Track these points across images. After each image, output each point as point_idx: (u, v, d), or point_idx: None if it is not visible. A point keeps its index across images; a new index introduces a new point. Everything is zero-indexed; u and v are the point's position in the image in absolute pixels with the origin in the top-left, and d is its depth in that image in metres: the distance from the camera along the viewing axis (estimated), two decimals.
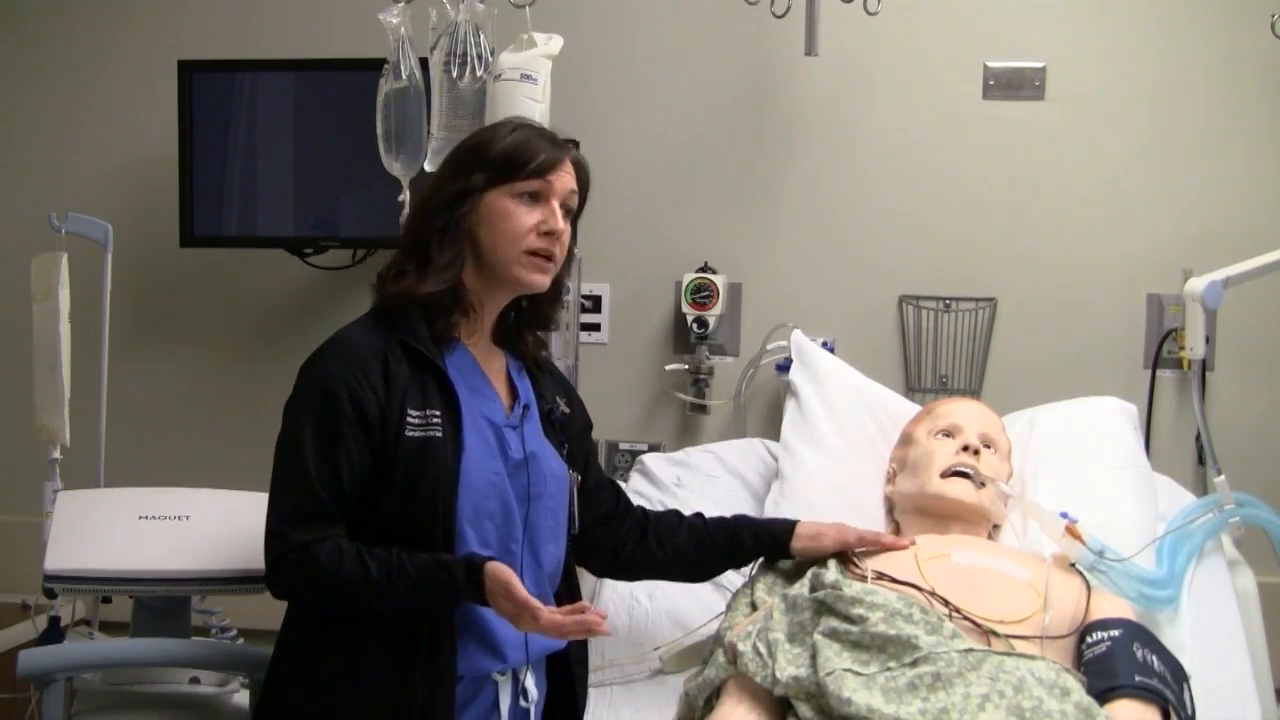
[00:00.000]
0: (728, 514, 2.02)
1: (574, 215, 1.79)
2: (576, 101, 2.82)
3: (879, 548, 1.93)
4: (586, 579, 2.29)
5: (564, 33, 2.43)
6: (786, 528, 1.94)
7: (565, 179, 1.73)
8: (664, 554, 1.92)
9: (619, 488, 2.03)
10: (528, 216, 1.69)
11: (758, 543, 1.94)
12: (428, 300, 1.68)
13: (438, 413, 1.64)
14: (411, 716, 1.60)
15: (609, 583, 2.21)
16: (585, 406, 1.96)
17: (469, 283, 1.72)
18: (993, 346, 2.87)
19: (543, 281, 1.74)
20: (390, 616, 1.62)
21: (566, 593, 1.82)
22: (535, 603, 1.55)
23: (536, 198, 1.70)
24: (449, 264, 1.68)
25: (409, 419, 1.62)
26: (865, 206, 2.90)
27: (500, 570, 1.56)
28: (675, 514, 1.99)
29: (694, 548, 1.93)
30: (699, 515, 1.99)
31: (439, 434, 1.63)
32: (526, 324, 1.83)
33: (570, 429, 1.86)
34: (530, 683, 1.74)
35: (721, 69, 2.94)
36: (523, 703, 1.74)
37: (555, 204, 1.72)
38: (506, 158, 1.69)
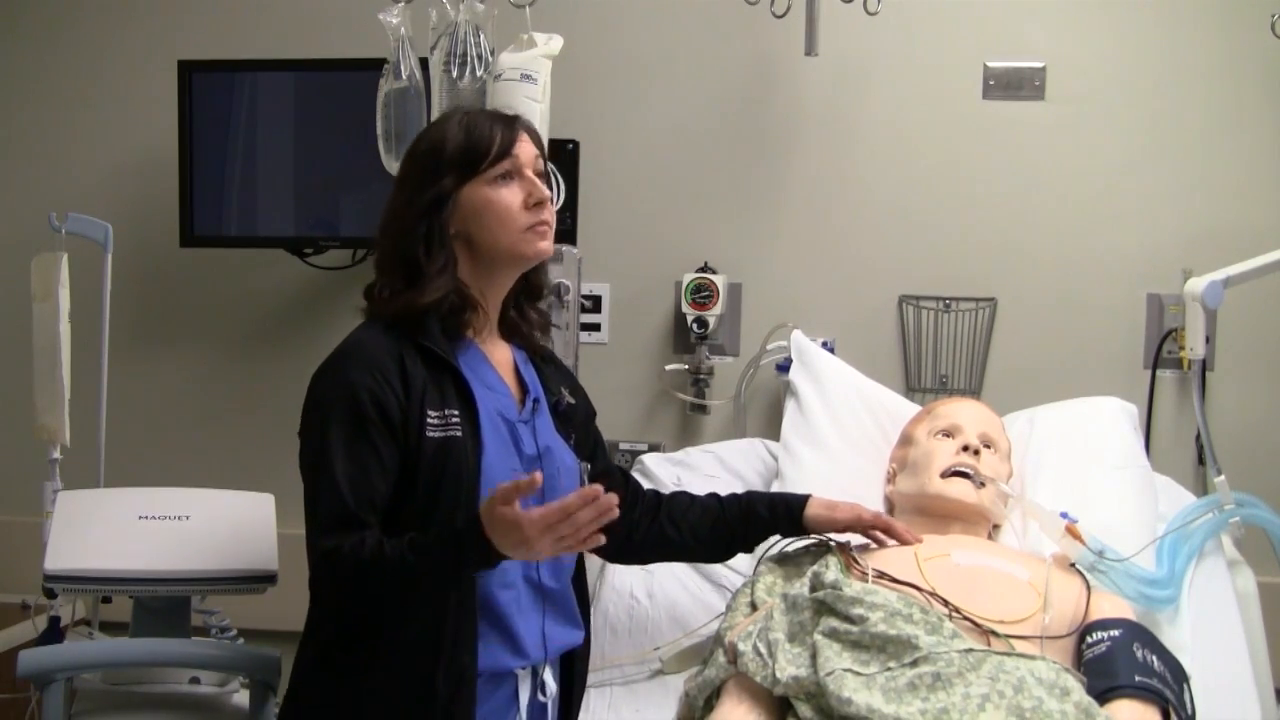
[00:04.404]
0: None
1: (546, 176, 1.79)
2: (576, 101, 2.82)
3: (889, 533, 1.93)
4: (589, 573, 2.29)
5: (564, 33, 2.43)
6: (801, 499, 1.94)
7: (527, 148, 1.73)
8: (678, 533, 1.93)
9: (628, 473, 2.04)
10: (511, 196, 1.69)
11: (773, 514, 1.93)
12: (433, 308, 1.67)
13: (456, 412, 1.64)
14: (435, 716, 1.60)
15: (609, 583, 2.21)
16: (586, 393, 1.96)
17: (468, 280, 1.71)
18: (993, 346, 2.87)
19: (548, 248, 1.74)
20: (410, 618, 1.60)
21: (578, 583, 1.83)
22: (525, 514, 1.48)
23: (510, 176, 1.70)
24: (441, 269, 1.67)
25: (429, 419, 1.62)
26: (865, 206, 2.90)
27: (486, 503, 1.51)
28: (686, 494, 2.00)
29: (709, 525, 1.93)
30: (712, 494, 1.99)
31: (459, 433, 1.63)
32: (525, 302, 1.82)
33: (575, 418, 1.87)
34: (549, 677, 1.75)
35: (721, 69, 2.94)
36: (540, 697, 1.74)
37: (529, 174, 1.72)
38: (466, 151, 1.69)
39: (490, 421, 1.67)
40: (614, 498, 1.49)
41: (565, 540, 1.49)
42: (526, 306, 1.83)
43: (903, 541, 1.93)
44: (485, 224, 1.69)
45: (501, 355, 1.79)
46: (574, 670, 1.82)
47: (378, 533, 1.59)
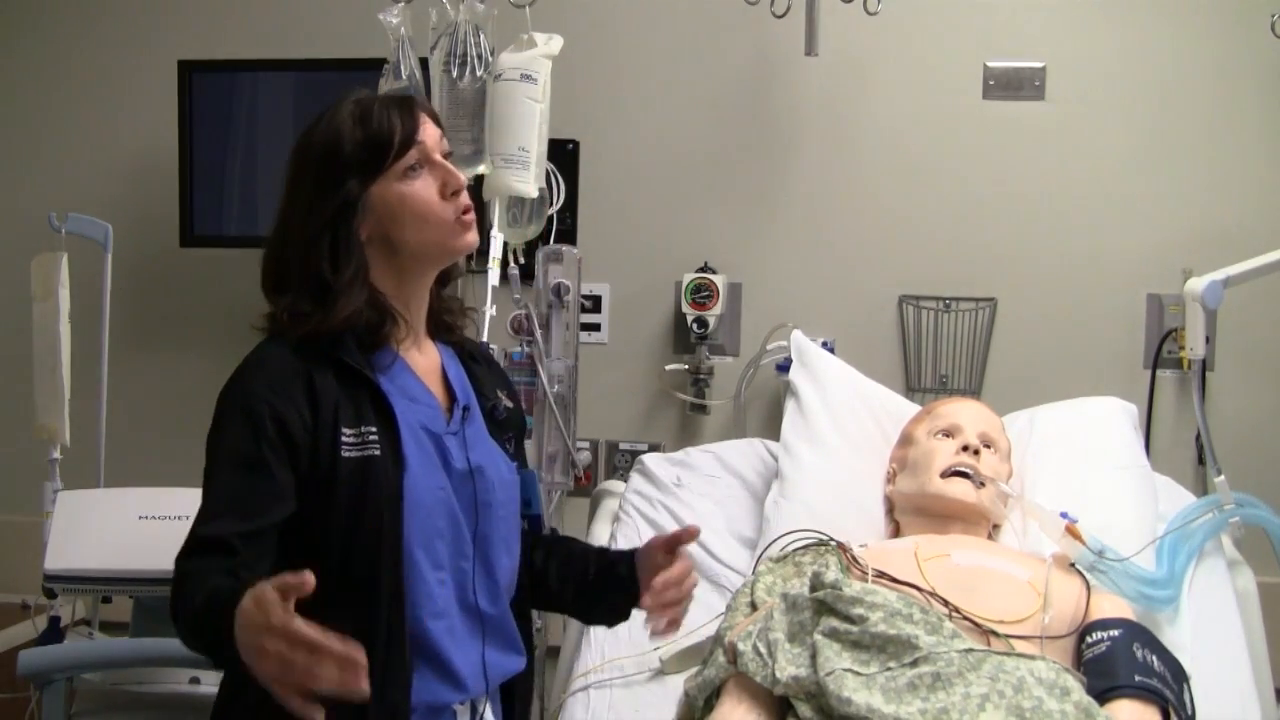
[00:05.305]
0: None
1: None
2: (576, 101, 2.82)
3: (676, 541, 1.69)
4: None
5: (564, 33, 2.43)
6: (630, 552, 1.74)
7: (430, 131, 1.55)
8: (558, 586, 1.74)
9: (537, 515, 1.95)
10: (426, 189, 1.53)
11: (614, 568, 1.72)
12: (346, 327, 1.50)
13: (373, 429, 1.48)
14: None
15: None
16: (520, 401, 1.82)
17: (387, 287, 1.55)
18: (993, 346, 2.87)
19: (474, 239, 1.57)
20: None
21: (519, 611, 1.67)
22: (280, 614, 1.19)
23: (419, 166, 1.53)
24: (351, 280, 1.50)
25: (344, 438, 1.46)
26: (865, 206, 2.91)
27: (261, 587, 1.22)
28: (573, 544, 1.83)
29: (575, 584, 1.74)
30: (589, 550, 1.81)
31: (377, 452, 1.47)
32: (439, 286, 1.65)
33: (512, 424, 1.71)
34: (489, 712, 1.62)
35: (721, 69, 2.94)
36: None
37: (439, 159, 1.55)
38: (367, 148, 1.51)
39: (413, 437, 1.52)
40: (365, 684, 1.21)
41: (290, 676, 1.20)
42: (444, 293, 1.68)
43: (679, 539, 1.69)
44: (404, 222, 1.52)
45: (428, 362, 1.62)
46: (515, 698, 1.69)
47: (232, 565, 1.39)
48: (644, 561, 1.68)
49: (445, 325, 1.67)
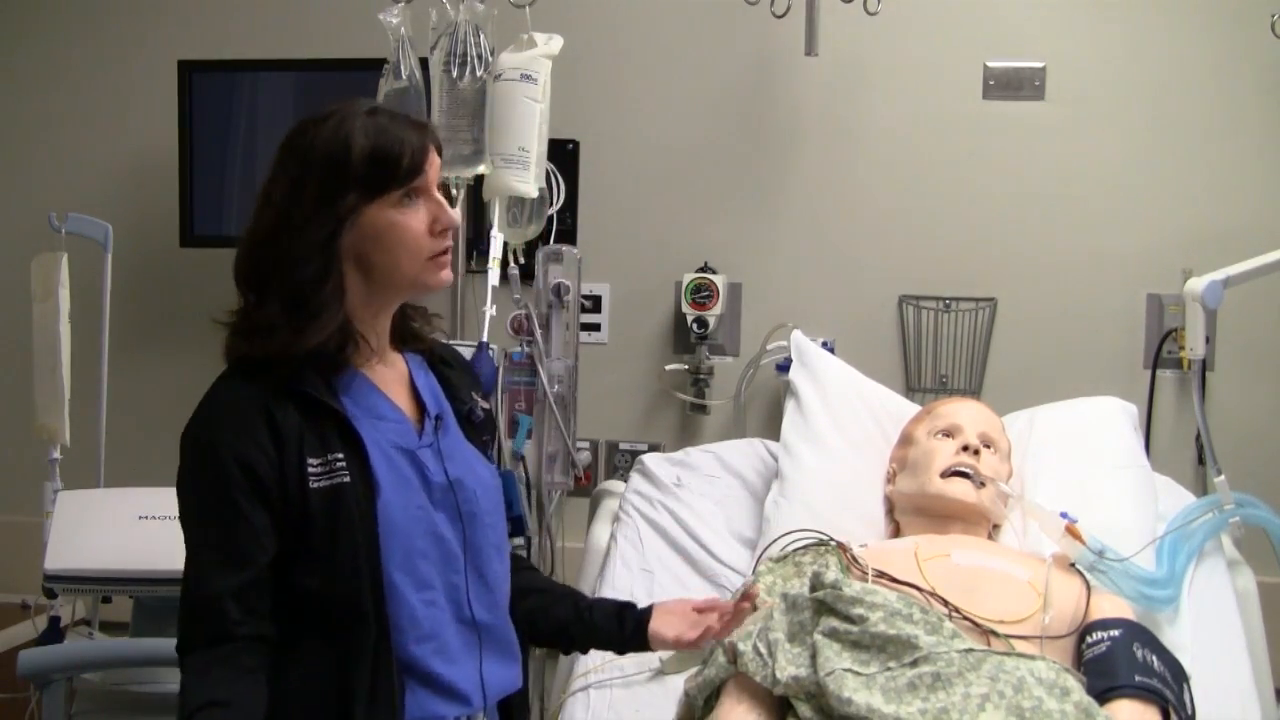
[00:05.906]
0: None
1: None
2: (576, 101, 2.82)
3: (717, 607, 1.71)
4: (588, 575, 2.29)
5: (564, 33, 2.43)
6: (644, 612, 1.72)
7: (435, 162, 1.51)
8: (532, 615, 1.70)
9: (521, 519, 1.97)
10: (417, 221, 1.48)
11: (620, 626, 1.70)
12: (316, 351, 1.46)
13: (340, 455, 1.44)
14: None
15: (609, 584, 2.21)
16: (490, 405, 1.77)
17: (354, 307, 1.50)
18: (993, 346, 2.87)
19: (448, 277, 1.53)
20: (322, 663, 1.43)
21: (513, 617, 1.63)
22: None
23: (416, 195, 1.49)
24: (328, 298, 1.46)
25: (310, 469, 1.43)
26: (865, 207, 2.91)
27: None
28: (536, 579, 1.79)
29: (554, 624, 1.71)
30: (563, 592, 1.80)
31: (347, 479, 1.43)
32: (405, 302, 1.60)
33: (489, 426, 1.68)
34: None
35: (721, 69, 2.94)
36: None
37: (436, 194, 1.51)
38: (374, 166, 1.45)
39: (384, 457, 1.48)
40: None
41: None
42: (408, 306, 1.62)
43: (731, 612, 1.70)
44: (386, 248, 1.48)
45: (393, 375, 1.58)
46: (512, 709, 1.62)
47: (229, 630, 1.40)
48: (671, 604, 1.71)
49: (412, 334, 1.62)
